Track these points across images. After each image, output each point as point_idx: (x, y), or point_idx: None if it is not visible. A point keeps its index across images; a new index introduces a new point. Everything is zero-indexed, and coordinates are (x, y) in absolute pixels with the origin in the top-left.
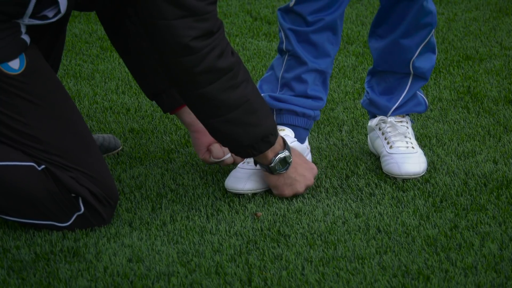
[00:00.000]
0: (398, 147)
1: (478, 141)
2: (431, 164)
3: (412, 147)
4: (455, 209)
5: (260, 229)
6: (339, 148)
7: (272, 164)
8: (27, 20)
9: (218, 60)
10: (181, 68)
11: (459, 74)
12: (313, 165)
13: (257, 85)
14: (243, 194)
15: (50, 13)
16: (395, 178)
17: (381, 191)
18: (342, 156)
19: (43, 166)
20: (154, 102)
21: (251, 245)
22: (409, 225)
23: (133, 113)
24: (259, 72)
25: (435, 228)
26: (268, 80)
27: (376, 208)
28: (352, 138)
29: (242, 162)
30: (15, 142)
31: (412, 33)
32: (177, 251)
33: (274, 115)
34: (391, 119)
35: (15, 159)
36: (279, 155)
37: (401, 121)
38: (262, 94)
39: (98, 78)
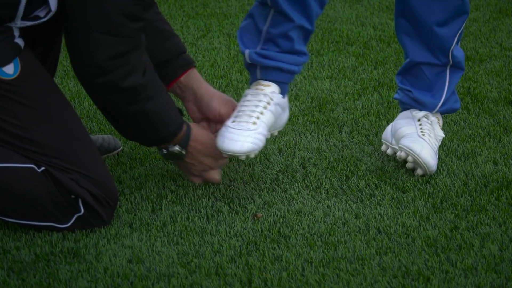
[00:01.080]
0: (429, 139)
1: (478, 142)
2: (405, 147)
3: (436, 150)
4: (455, 210)
5: (260, 230)
6: (339, 149)
7: (161, 154)
8: (19, 23)
9: (123, 79)
10: (84, 74)
11: None
12: (217, 154)
13: (237, 35)
14: (238, 157)
15: (41, 13)
16: (395, 179)
17: (381, 192)
18: (342, 157)
19: (43, 168)
20: None
21: (251, 246)
22: (409, 226)
23: None
24: None
25: (435, 229)
26: (248, 29)
27: (376, 209)
28: (352, 139)
29: (232, 120)
30: (14, 147)
31: (449, 22)
32: (177, 252)
33: (259, 71)
34: (434, 118)
35: (15, 161)
36: (169, 149)
37: (439, 126)
38: (246, 50)
39: None
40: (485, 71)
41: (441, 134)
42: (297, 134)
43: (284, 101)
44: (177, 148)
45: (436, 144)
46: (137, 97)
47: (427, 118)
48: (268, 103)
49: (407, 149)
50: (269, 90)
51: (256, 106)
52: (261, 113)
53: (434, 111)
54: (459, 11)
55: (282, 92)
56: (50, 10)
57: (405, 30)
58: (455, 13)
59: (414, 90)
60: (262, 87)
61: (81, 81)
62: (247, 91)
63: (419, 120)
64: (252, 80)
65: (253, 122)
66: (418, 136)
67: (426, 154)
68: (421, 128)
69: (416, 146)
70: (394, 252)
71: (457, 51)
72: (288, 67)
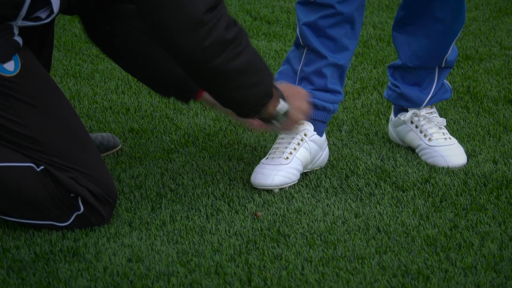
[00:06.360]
0: (437, 139)
1: (478, 141)
2: (431, 164)
3: (449, 138)
4: (455, 209)
5: (259, 229)
6: (338, 148)
7: (274, 119)
8: (20, 22)
9: (225, 31)
10: (190, 44)
11: (458, 74)
12: (301, 89)
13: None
14: (271, 190)
15: (43, 14)
16: (395, 178)
17: (381, 191)
18: (341, 156)
19: (42, 167)
20: (153, 101)
21: (251, 245)
22: (409, 225)
23: (132, 113)
24: None
25: (434, 228)
26: (285, 72)
27: (376, 208)
28: (351, 138)
29: (266, 158)
30: (14, 144)
31: (451, 32)
32: (177, 251)
33: None
34: (423, 112)
35: (14, 160)
36: (278, 110)
37: (431, 112)
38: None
39: (97, 78)
40: (484, 70)
41: (441, 121)
42: None
43: (321, 139)
44: (284, 105)
45: (445, 133)
46: (240, 46)
47: (417, 116)
48: (302, 140)
49: (440, 165)
50: (302, 128)
51: (289, 143)
52: (294, 149)
53: (421, 107)
54: (461, 19)
55: (317, 130)
56: (52, 12)
57: (401, 30)
58: (458, 22)
59: (403, 85)
60: (296, 125)
61: (192, 54)
62: None
63: (412, 123)
64: None
65: (285, 157)
66: (429, 147)
67: (452, 161)
68: (421, 131)
69: (439, 161)
70: (393, 251)
71: (451, 55)
72: (323, 104)
